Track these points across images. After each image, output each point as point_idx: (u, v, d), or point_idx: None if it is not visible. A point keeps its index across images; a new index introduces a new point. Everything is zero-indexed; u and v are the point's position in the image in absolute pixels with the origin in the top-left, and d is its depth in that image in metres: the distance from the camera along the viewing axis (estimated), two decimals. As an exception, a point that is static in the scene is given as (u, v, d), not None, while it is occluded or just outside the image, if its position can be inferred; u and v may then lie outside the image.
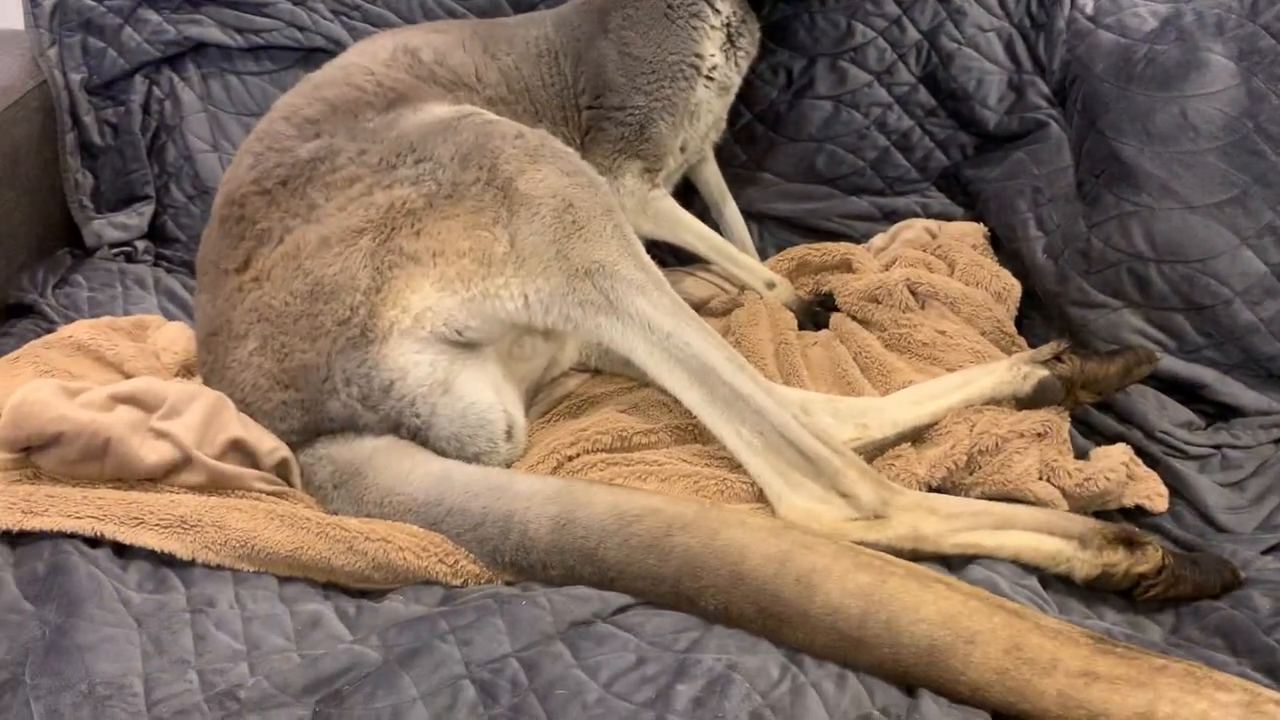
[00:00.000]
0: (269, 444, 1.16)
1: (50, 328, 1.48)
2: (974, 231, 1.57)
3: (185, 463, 1.10)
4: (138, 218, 1.73)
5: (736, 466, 1.15)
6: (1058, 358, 1.25)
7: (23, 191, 1.62)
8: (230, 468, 1.11)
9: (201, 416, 1.13)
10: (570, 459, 1.21)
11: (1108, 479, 1.16)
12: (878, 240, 1.66)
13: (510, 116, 1.37)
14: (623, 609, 0.96)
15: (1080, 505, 1.16)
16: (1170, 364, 1.36)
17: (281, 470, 1.17)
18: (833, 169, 1.71)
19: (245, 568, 1.02)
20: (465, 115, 1.27)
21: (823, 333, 1.49)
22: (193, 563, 1.01)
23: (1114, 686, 0.85)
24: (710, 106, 1.54)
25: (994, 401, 1.24)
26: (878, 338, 1.42)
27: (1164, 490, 1.21)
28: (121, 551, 1.01)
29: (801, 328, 1.51)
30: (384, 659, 0.89)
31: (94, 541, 1.01)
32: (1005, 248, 1.55)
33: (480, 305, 1.19)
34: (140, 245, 1.72)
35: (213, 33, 1.71)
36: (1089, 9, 1.51)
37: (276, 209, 1.24)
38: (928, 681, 0.89)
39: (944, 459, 1.16)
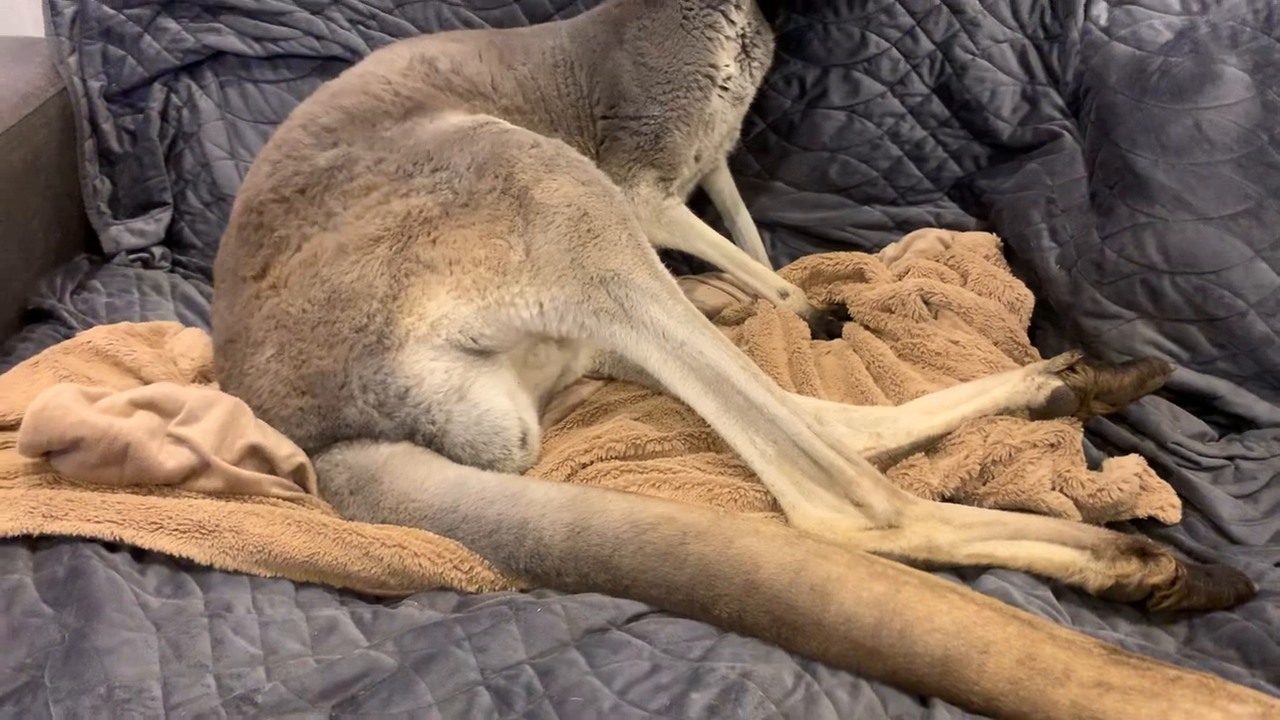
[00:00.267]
0: (286, 450, 1.17)
1: (69, 333, 1.50)
2: (987, 242, 1.57)
3: (203, 468, 1.10)
4: (155, 224, 1.74)
5: (750, 475, 1.15)
6: (1071, 368, 1.25)
7: (43, 198, 1.63)
8: (247, 473, 1.12)
9: (219, 422, 1.13)
10: (584, 466, 1.22)
11: (1121, 490, 1.16)
12: (890, 250, 1.66)
13: (526, 126, 1.38)
14: (637, 617, 0.96)
15: (1093, 516, 1.16)
16: (1183, 375, 1.35)
17: (298, 476, 1.17)
18: (846, 178, 1.71)
19: (262, 573, 1.03)
20: (482, 125, 1.28)
21: (836, 342, 1.50)
22: (210, 567, 1.02)
23: (1127, 697, 0.85)
24: (725, 116, 1.55)
25: (1007, 412, 1.24)
26: (891, 347, 1.43)
27: (1177, 501, 1.21)
28: (140, 556, 1.02)
29: (814, 336, 1.52)
30: (400, 665, 0.89)
31: (113, 546, 1.02)
32: (1018, 258, 1.55)
33: (495, 313, 1.19)
34: (157, 251, 1.73)
35: (231, 41, 1.73)
36: (1103, 21, 1.51)
37: (294, 217, 1.25)
38: (941, 691, 0.89)
39: (957, 469, 1.17)
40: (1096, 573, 1.05)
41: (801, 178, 1.74)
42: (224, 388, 1.27)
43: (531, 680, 0.87)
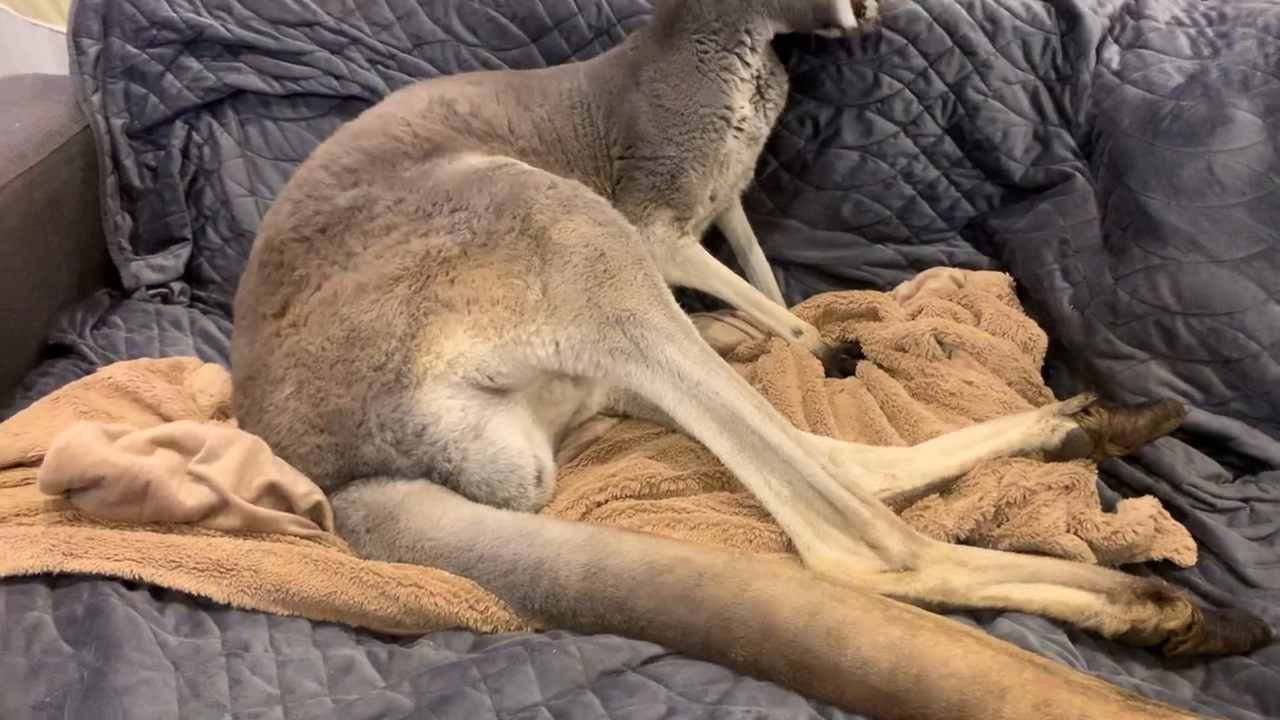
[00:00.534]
0: (303, 487, 1.17)
1: (89, 368, 1.51)
2: (1000, 281, 1.58)
3: (222, 506, 1.11)
4: (174, 259, 1.76)
5: (765, 515, 1.16)
6: (1085, 410, 1.25)
7: (64, 234, 1.65)
8: (265, 511, 1.13)
9: (239, 460, 1.14)
10: (599, 505, 1.22)
11: (1135, 532, 1.16)
12: (903, 288, 1.67)
13: (543, 167, 1.40)
14: (653, 659, 0.96)
15: (1108, 558, 1.16)
16: (1198, 416, 1.35)
17: (315, 514, 1.18)
18: (859, 217, 1.73)
19: (280, 612, 1.04)
20: (500, 166, 1.30)
21: (849, 380, 1.50)
22: (228, 606, 1.03)
23: (1144, 744, 0.85)
24: (739, 156, 1.56)
25: (1022, 453, 1.25)
26: (905, 386, 1.43)
27: (1192, 544, 1.21)
28: (159, 594, 1.03)
29: (828, 375, 1.52)
30: (416, 705, 0.90)
31: (132, 584, 1.02)
32: (1031, 298, 1.55)
33: (512, 351, 1.20)
34: (176, 286, 1.75)
35: (252, 80, 1.75)
36: (1114, 64, 1.53)
37: (315, 256, 1.26)
38: (958, 736, 0.89)
39: (972, 511, 1.17)
40: (1112, 617, 1.05)
41: (815, 216, 1.75)
42: (243, 424, 1.28)
43: (548, 722, 0.87)
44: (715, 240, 1.73)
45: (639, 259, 1.22)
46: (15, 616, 0.98)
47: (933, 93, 1.65)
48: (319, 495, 1.19)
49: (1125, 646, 1.06)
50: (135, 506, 1.09)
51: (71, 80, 1.74)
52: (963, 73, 1.63)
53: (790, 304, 1.74)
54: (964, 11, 1.62)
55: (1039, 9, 1.62)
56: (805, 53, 1.66)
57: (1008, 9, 1.62)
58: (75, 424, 1.28)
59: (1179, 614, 1.04)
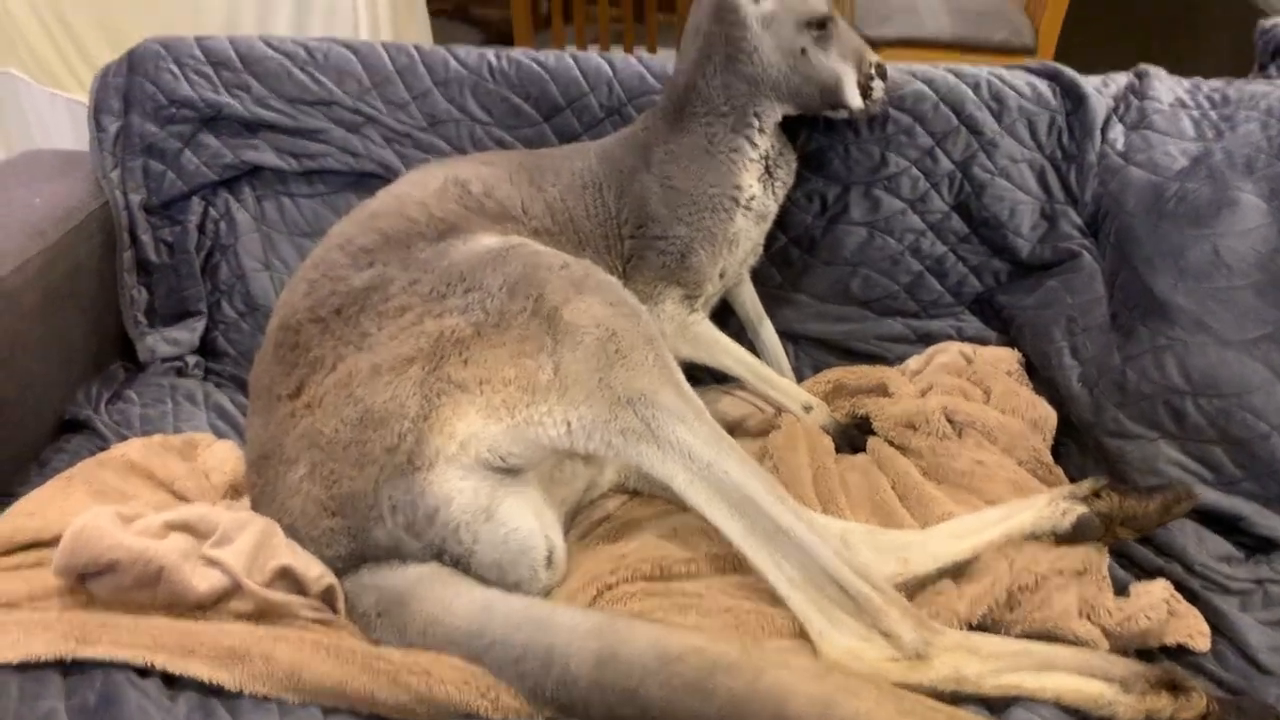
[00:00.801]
0: (316, 571, 1.18)
1: (103, 445, 1.52)
2: (1009, 358, 1.59)
3: (235, 590, 1.12)
4: (189, 333, 1.78)
5: (777, 600, 1.15)
6: (1096, 494, 1.25)
7: (82, 308, 1.67)
8: (278, 595, 1.13)
9: (252, 544, 1.15)
10: (610, 587, 1.22)
11: (1148, 617, 1.15)
12: (913, 363, 1.67)
13: (555, 246, 1.41)
14: (665, 751, 0.96)
15: (1121, 644, 1.15)
16: (1208, 495, 1.35)
17: (327, 597, 1.18)
18: (867, 292, 1.74)
19: (291, 699, 1.04)
20: (513, 246, 1.32)
21: (860, 457, 1.51)
22: (240, 694, 1.03)
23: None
24: (748, 234, 1.58)
25: (1033, 537, 1.24)
26: (916, 465, 1.43)
27: (1205, 629, 1.20)
28: (171, 681, 1.03)
29: (839, 451, 1.53)
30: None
31: (144, 671, 1.03)
32: (1040, 375, 1.56)
33: (524, 432, 1.21)
34: (191, 360, 1.76)
35: (268, 157, 1.78)
36: (1119, 145, 1.55)
37: (330, 337, 1.27)
38: (972, 834, 0.89)
39: (985, 596, 1.17)
40: (1127, 706, 1.05)
41: (824, 290, 1.76)
42: (256, 505, 1.28)
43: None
44: (725, 313, 1.75)
45: (650, 339, 1.24)
46: (28, 705, 0.98)
47: (940, 171, 1.67)
48: (331, 578, 1.19)
49: (1140, 737, 1.06)
50: (149, 591, 1.10)
51: (91, 157, 1.77)
52: (969, 151, 1.65)
53: (800, 377, 1.74)
54: (970, 91, 1.65)
55: (1044, 88, 1.65)
56: (813, 132, 1.69)
57: (1013, 89, 1.65)
58: (90, 505, 1.30)
59: (1194, 705, 1.04)
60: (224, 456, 1.46)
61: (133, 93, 1.77)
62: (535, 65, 1.73)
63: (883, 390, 1.59)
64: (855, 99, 1.52)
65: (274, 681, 1.04)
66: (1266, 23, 1.67)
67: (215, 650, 1.04)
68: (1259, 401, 1.33)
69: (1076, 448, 1.50)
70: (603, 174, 1.54)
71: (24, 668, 1.01)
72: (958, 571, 1.22)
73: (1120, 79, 1.65)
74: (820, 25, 1.49)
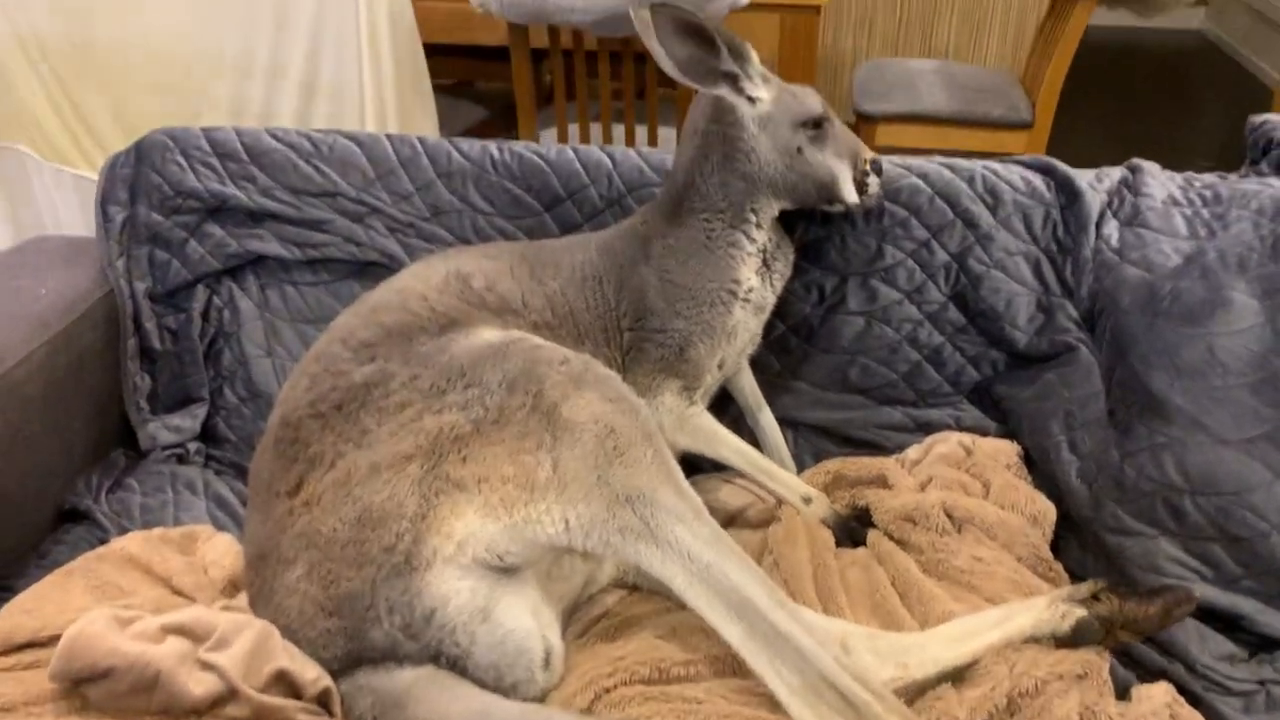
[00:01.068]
0: (312, 673, 1.17)
1: (103, 536, 1.52)
2: (1007, 450, 1.59)
3: (231, 695, 1.11)
4: (191, 420, 1.79)
5: (776, 705, 1.14)
6: (1096, 596, 1.25)
7: (84, 396, 1.68)
8: (273, 700, 1.13)
9: (249, 647, 1.15)
10: (608, 691, 1.21)
11: (1151, 724, 1.15)
12: (912, 452, 1.68)
13: (554, 339, 1.42)
14: None
15: (1124, 750, 1.15)
16: (1209, 593, 1.35)
17: (323, 700, 1.17)
18: (866, 380, 1.75)
19: (284, 809, 1.03)
20: (513, 341, 1.33)
21: (860, 552, 1.50)
22: (234, 805, 1.02)
23: None
24: (747, 325, 1.59)
25: (1033, 639, 1.24)
26: (916, 561, 1.43)
27: (1209, 734, 1.19)
28: (165, 791, 1.03)
29: (839, 544, 1.52)
30: None
31: (136, 780, 1.02)
32: (1039, 468, 1.56)
33: (522, 530, 1.21)
34: (192, 447, 1.77)
35: (273, 247, 1.80)
36: (1114, 241, 1.56)
37: (330, 433, 1.28)
38: None
39: (984, 701, 1.16)
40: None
41: (823, 378, 1.77)
42: (253, 604, 1.28)
43: None
44: (724, 400, 1.75)
45: (649, 435, 1.24)
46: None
47: (936, 262, 1.69)
48: (327, 681, 1.18)
49: None
50: (144, 696, 1.09)
51: (98, 246, 1.79)
52: (965, 243, 1.67)
53: (800, 464, 1.75)
54: (965, 185, 1.67)
55: (1038, 183, 1.67)
56: (810, 224, 1.71)
57: (1008, 183, 1.67)
58: (88, 601, 1.30)
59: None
60: (223, 550, 1.46)
61: (140, 183, 1.80)
62: (536, 158, 1.76)
63: (882, 482, 1.60)
64: (851, 195, 1.54)
65: (268, 791, 1.03)
66: (1256, 118, 1.70)
67: (209, 760, 1.03)
68: (1258, 500, 1.33)
69: (1076, 542, 1.50)
70: (602, 267, 1.56)
71: (18, 777, 1.01)
72: (957, 676, 1.21)
73: (1114, 174, 1.67)
74: (815, 125, 1.51)
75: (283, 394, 1.40)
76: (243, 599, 1.33)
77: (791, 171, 1.52)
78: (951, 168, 1.69)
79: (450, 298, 1.44)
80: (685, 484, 1.24)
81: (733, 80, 1.49)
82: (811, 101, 1.53)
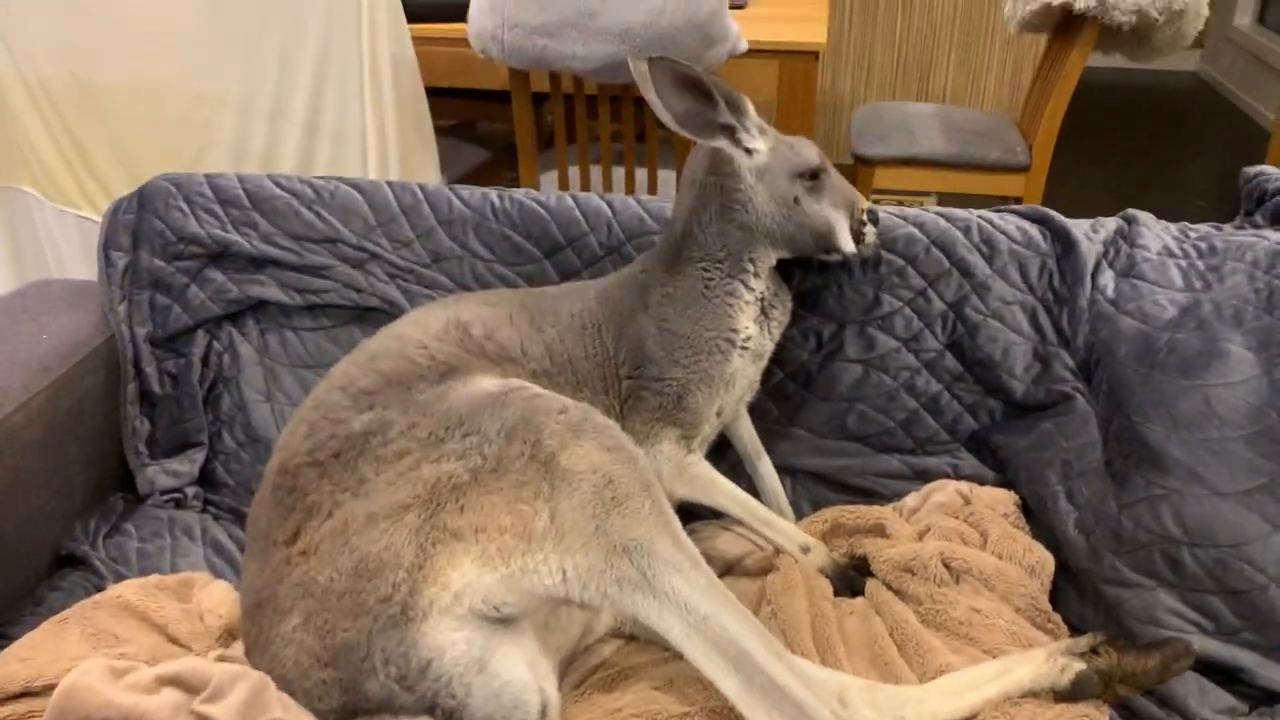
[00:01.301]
0: (307, 726, 1.17)
1: (99, 583, 1.52)
2: (1005, 500, 1.59)
3: (225, 748, 1.11)
4: (190, 464, 1.79)
5: (773, 759, 1.14)
6: (1094, 650, 1.25)
7: (83, 441, 1.69)
8: (268, 753, 1.12)
9: (244, 698, 1.14)
10: (605, 743, 1.21)
11: (1151, 781, 1.14)
12: (910, 500, 1.68)
13: (552, 387, 1.43)
14: None
15: (1124, 808, 1.14)
16: (1208, 646, 1.34)
17: (318, 753, 1.17)
18: (864, 428, 1.75)
19: None
20: (512, 389, 1.33)
21: (859, 602, 1.50)
22: None
23: None
24: (745, 373, 1.60)
25: (1031, 693, 1.24)
26: (914, 611, 1.43)
27: (1208, 791, 1.19)
28: None
29: (837, 593, 1.52)
30: None
31: (129, 837, 1.01)
32: (1037, 518, 1.56)
33: (519, 581, 1.21)
34: (190, 491, 1.77)
35: (273, 292, 1.81)
36: (1109, 292, 1.57)
37: (328, 482, 1.28)
38: None
39: (983, 757, 1.15)
40: None
41: (821, 425, 1.77)
42: (249, 653, 1.28)
43: None
44: (723, 447, 1.76)
45: (647, 486, 1.24)
46: None
47: (933, 311, 1.70)
48: (322, 733, 1.18)
49: None
50: (138, 750, 1.09)
51: (100, 291, 1.80)
52: (961, 293, 1.68)
53: (799, 511, 1.75)
54: (960, 235, 1.68)
55: (1034, 233, 1.69)
56: (808, 272, 1.72)
57: (1003, 233, 1.68)
58: (84, 649, 1.30)
59: None
60: (219, 598, 1.46)
61: (142, 228, 1.81)
62: (537, 205, 1.77)
63: (880, 531, 1.59)
64: (848, 244, 1.55)
65: None
66: (1250, 170, 1.71)
67: (202, 816, 1.03)
68: (1256, 553, 1.33)
69: (1075, 593, 1.49)
70: (601, 315, 1.57)
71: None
72: (955, 730, 1.21)
73: (1109, 224, 1.68)
74: (813, 176, 1.53)
75: (281, 441, 1.40)
76: (239, 648, 1.32)
77: (789, 222, 1.53)
78: (947, 217, 1.70)
79: (449, 345, 1.45)
80: (683, 534, 1.23)
81: (730, 132, 1.51)
82: (808, 153, 1.54)
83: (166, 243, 1.80)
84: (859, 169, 3.43)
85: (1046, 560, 1.47)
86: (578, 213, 1.77)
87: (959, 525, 1.54)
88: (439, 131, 2.84)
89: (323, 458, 1.30)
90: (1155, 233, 1.63)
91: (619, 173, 2.97)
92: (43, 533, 1.59)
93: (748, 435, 1.76)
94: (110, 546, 1.62)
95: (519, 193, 1.80)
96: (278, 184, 1.82)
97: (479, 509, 1.22)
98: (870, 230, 1.58)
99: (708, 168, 1.54)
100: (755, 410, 1.76)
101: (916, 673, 1.32)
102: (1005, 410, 1.69)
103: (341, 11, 2.42)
